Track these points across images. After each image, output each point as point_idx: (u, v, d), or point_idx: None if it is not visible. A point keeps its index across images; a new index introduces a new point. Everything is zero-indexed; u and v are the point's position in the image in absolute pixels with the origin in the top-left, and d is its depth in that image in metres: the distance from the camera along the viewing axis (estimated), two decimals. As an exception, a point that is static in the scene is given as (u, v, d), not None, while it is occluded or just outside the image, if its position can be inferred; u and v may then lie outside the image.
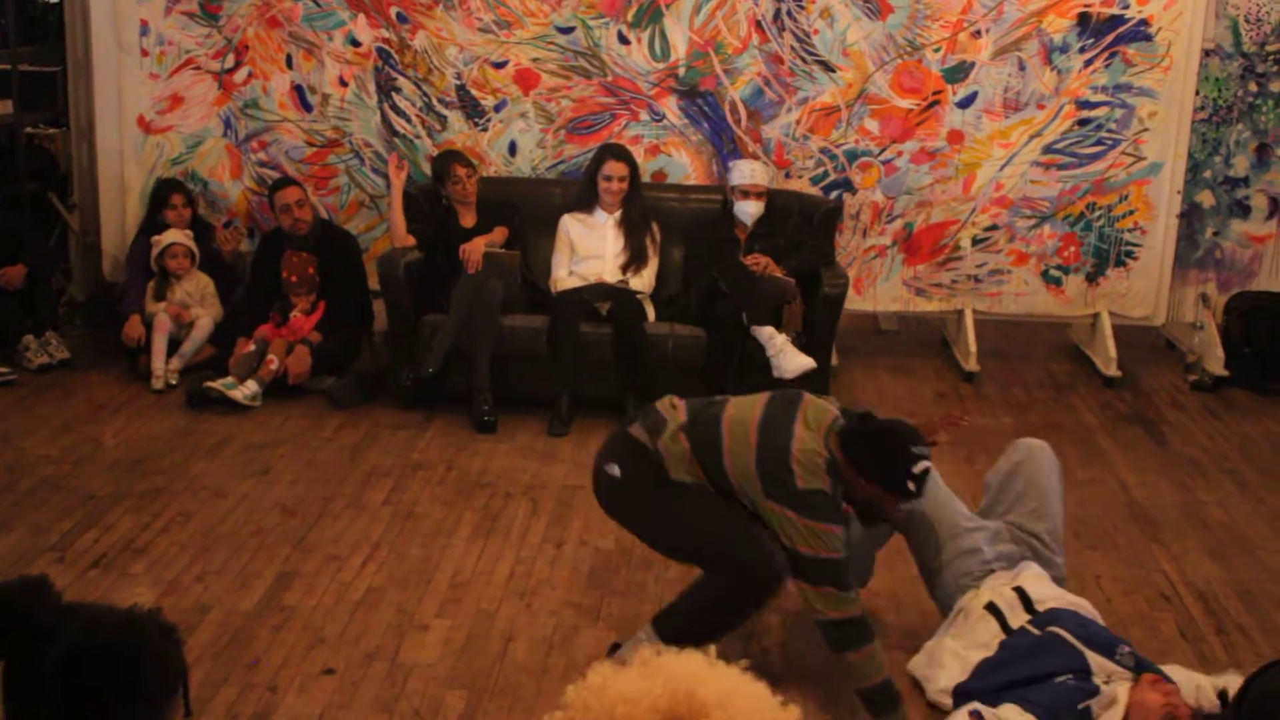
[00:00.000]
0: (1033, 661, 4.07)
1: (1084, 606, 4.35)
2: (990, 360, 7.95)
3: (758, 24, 7.59)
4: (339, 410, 6.91)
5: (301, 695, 4.27)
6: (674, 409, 4.34)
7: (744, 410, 4.22)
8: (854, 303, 7.72)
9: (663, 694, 1.66)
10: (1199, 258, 8.14)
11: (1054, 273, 7.91)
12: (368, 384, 7.15)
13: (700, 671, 1.71)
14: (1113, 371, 7.71)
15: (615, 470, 4.33)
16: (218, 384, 6.85)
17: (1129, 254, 7.86)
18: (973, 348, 7.74)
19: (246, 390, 6.86)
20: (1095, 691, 3.93)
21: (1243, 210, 8.08)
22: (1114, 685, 3.96)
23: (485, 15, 7.63)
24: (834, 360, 7.36)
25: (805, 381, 6.62)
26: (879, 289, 7.94)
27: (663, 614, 4.37)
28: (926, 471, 4.10)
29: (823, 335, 6.89)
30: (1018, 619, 4.25)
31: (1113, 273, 7.89)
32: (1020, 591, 4.33)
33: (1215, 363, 7.74)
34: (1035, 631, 4.18)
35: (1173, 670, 4.12)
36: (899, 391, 7.54)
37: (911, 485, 4.09)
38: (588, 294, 6.95)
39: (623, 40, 7.64)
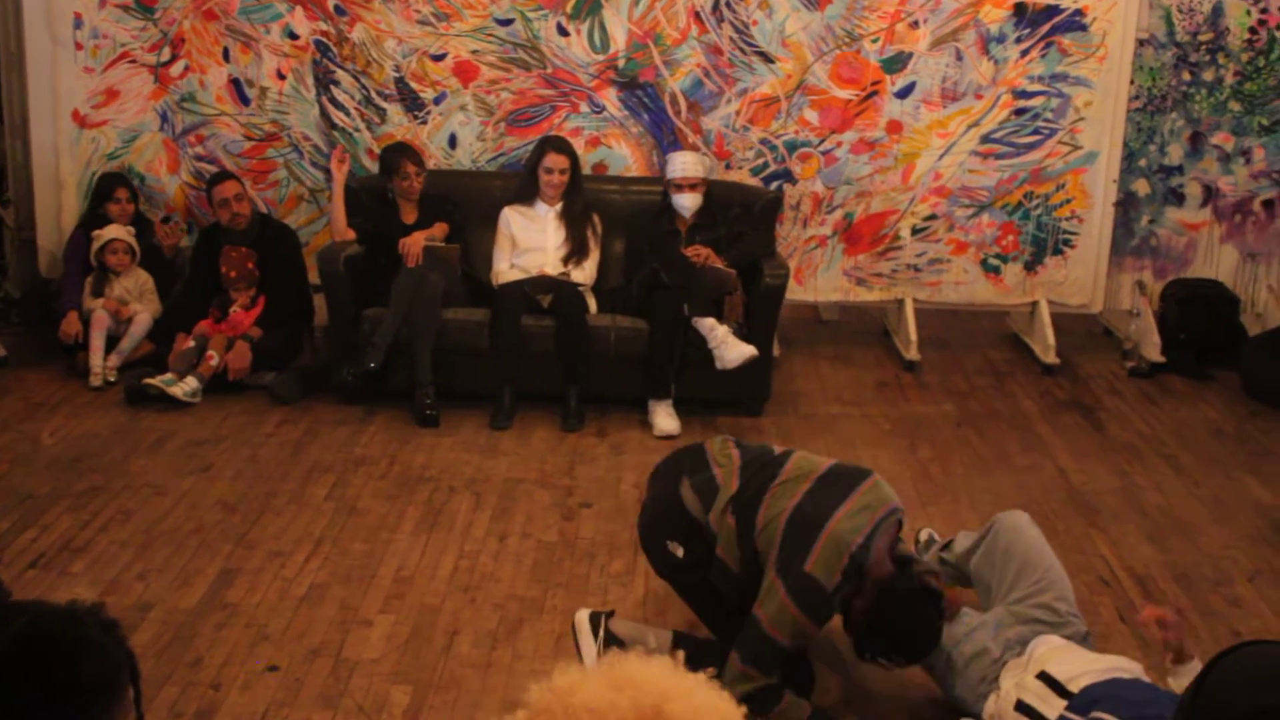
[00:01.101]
0: None
1: (1120, 668, 3.86)
2: (930, 349, 8.00)
3: (697, 15, 7.60)
4: (280, 406, 6.87)
5: (245, 692, 4.25)
6: (728, 466, 4.18)
7: (800, 470, 4.07)
8: (795, 293, 7.76)
9: (630, 708, 1.65)
10: (1135, 246, 8.22)
11: (993, 261, 7.97)
12: (309, 379, 7.12)
13: (667, 685, 1.70)
14: (1051, 359, 7.78)
15: (679, 552, 4.23)
16: (157, 380, 6.80)
17: (1066, 242, 7.93)
18: (913, 337, 7.79)
19: (186, 386, 6.81)
20: None
21: (1177, 198, 8.17)
22: None
23: (424, 7, 7.60)
24: (776, 351, 7.39)
25: (747, 370, 6.66)
26: (820, 279, 7.97)
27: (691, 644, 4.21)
28: (883, 666, 4.02)
29: (764, 326, 6.92)
30: (1053, 709, 3.74)
31: (1050, 261, 7.96)
32: (1045, 677, 3.86)
33: (1152, 349, 7.82)
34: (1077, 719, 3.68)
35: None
36: (840, 381, 7.58)
37: (866, 656, 3.98)
38: (529, 287, 6.94)
39: (562, 32, 7.64)
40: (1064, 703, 3.73)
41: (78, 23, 7.68)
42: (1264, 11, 7.91)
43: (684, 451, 4.43)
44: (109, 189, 7.51)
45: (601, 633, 4.49)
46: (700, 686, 1.71)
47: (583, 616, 4.54)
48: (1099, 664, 3.87)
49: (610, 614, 4.54)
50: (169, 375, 6.85)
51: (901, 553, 4.06)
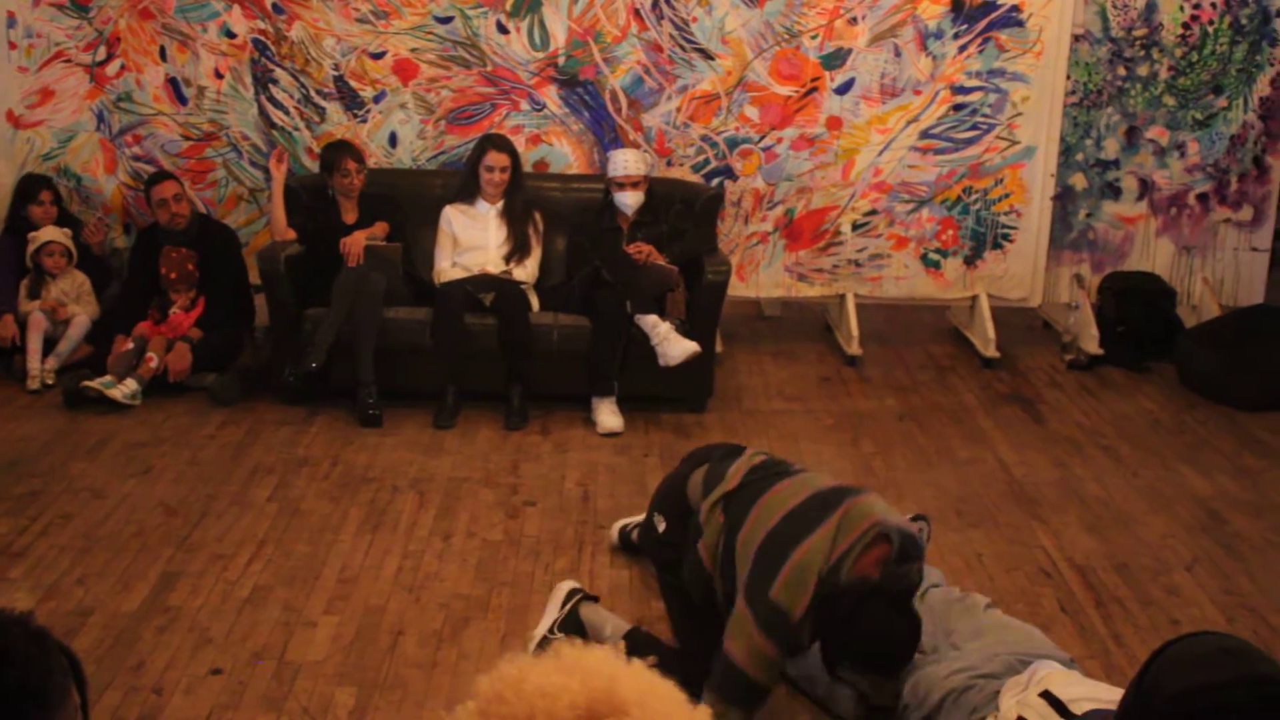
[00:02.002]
0: None
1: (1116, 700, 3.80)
2: (872, 344, 8.05)
3: (636, 12, 7.60)
4: (221, 407, 6.83)
5: (188, 697, 4.22)
6: (742, 466, 4.07)
7: (786, 495, 3.87)
8: (737, 289, 7.79)
9: (581, 690, 1.67)
10: (1073, 239, 8.30)
11: (933, 256, 8.02)
12: (250, 380, 7.07)
13: (616, 669, 1.72)
14: (991, 352, 7.84)
15: (660, 526, 4.25)
16: (96, 383, 6.74)
17: (1005, 237, 8.00)
18: (855, 332, 7.83)
19: (125, 389, 6.75)
20: None
21: (1114, 192, 8.25)
22: None
23: (362, 6, 7.57)
24: (718, 347, 7.41)
25: (690, 366, 6.67)
26: (761, 275, 8.00)
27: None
28: (850, 678, 3.83)
29: (706, 322, 6.93)
30: None
31: (990, 255, 8.03)
32: (1048, 696, 3.68)
33: (1090, 342, 7.90)
34: None
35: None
36: (783, 376, 7.61)
37: (830, 670, 3.75)
38: (471, 285, 6.93)
39: (501, 30, 7.62)
40: None
41: (11, 21, 7.60)
42: (1196, 7, 8.00)
43: (727, 444, 4.40)
44: (32, 190, 7.42)
45: (567, 609, 4.55)
46: (645, 670, 1.73)
47: (565, 586, 4.67)
48: (1105, 693, 3.65)
49: (592, 598, 4.61)
50: (108, 377, 6.79)
51: (891, 570, 3.73)
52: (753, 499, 3.92)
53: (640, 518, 4.93)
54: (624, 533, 5.27)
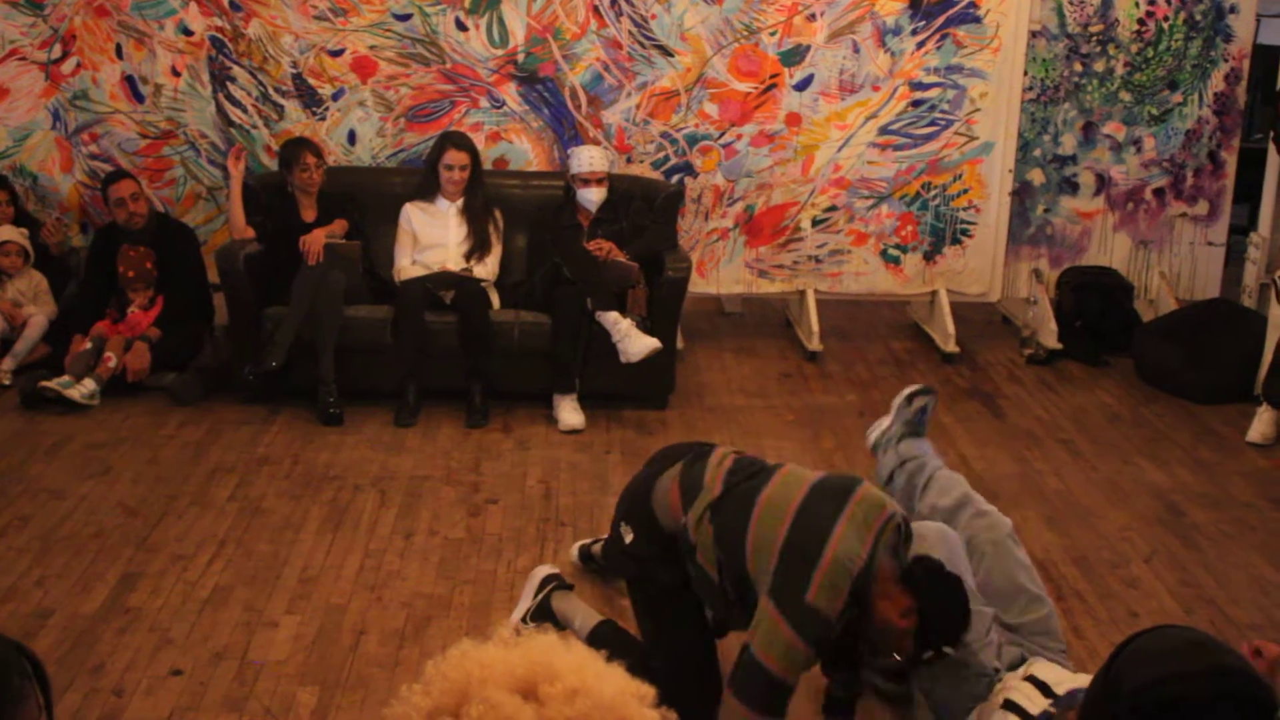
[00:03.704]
0: None
1: None
2: (833, 339, 8.08)
3: (595, 9, 7.60)
4: (180, 407, 6.80)
5: (149, 698, 4.20)
6: (719, 469, 3.91)
7: (786, 490, 3.75)
8: (697, 285, 7.80)
9: (520, 662, 1.72)
10: (1031, 234, 8.35)
11: (892, 252, 8.05)
12: (209, 379, 7.04)
13: (554, 645, 1.77)
14: (951, 348, 7.88)
15: (628, 537, 4.04)
16: (54, 383, 6.69)
17: (964, 232, 8.04)
18: (815, 327, 7.85)
19: (84, 389, 6.71)
20: None
21: (1071, 187, 8.31)
22: None
23: (320, 3, 7.54)
24: (679, 343, 7.42)
25: (651, 363, 6.68)
26: (722, 271, 8.02)
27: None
28: (947, 656, 3.69)
29: (667, 319, 6.94)
30: (1037, 706, 3.71)
31: (949, 251, 8.06)
32: (1033, 679, 3.82)
33: (1049, 336, 7.95)
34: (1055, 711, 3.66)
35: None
36: (744, 372, 7.63)
37: (932, 654, 3.66)
38: (431, 283, 6.92)
39: (460, 27, 7.61)
40: (1048, 701, 3.67)
41: (-35, 20, 7.55)
42: (1151, 3, 8.06)
43: (689, 444, 4.19)
44: None
45: (539, 598, 4.56)
46: (583, 648, 1.78)
47: (542, 571, 4.67)
48: (1082, 679, 3.72)
49: (567, 586, 4.60)
50: (66, 378, 6.74)
51: (904, 555, 3.75)
52: (747, 501, 3.77)
53: (597, 537, 4.90)
54: (584, 551, 5.09)
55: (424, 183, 7.19)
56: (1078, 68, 8.14)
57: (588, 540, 5.13)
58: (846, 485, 3.72)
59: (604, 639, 4.17)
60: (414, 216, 7.14)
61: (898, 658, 3.68)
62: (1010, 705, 3.73)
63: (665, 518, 3.95)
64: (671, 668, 3.92)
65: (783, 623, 3.54)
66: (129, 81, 7.63)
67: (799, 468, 3.92)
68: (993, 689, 3.87)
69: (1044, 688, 3.73)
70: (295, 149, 7.07)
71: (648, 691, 1.77)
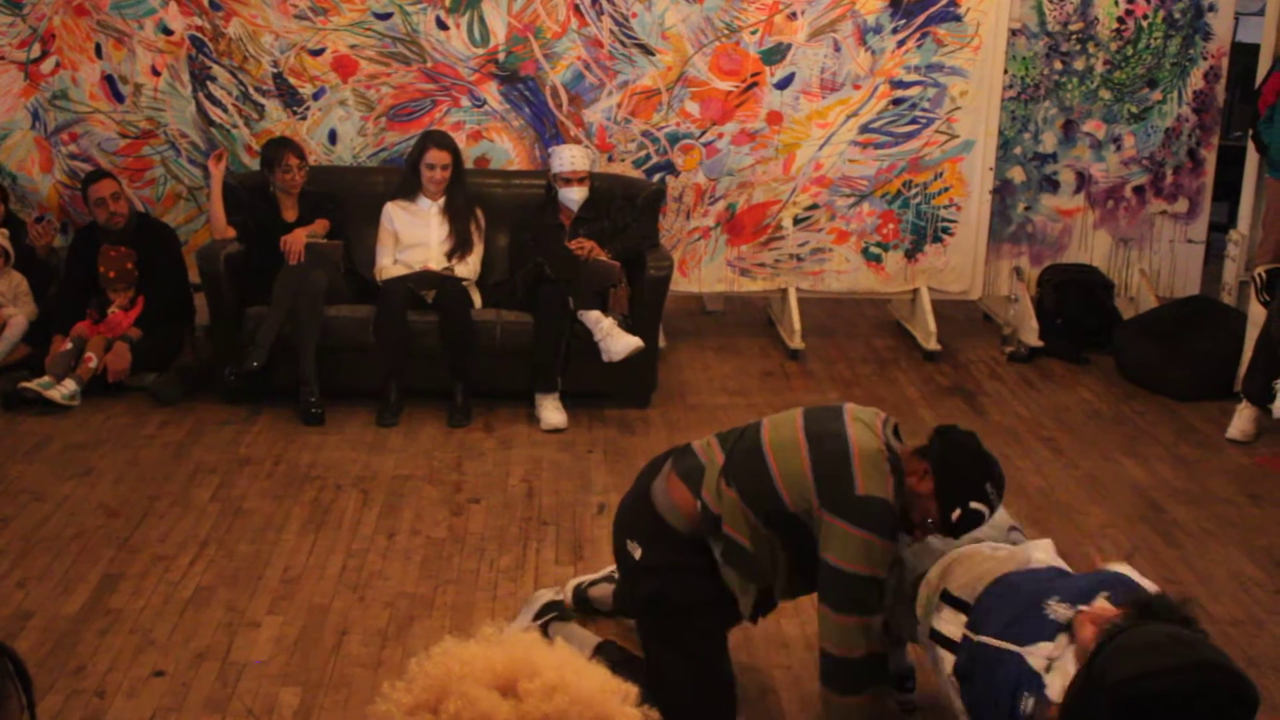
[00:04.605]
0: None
1: (1020, 561, 3.81)
2: (814, 337, 8.08)
3: (576, 8, 7.60)
4: (161, 407, 6.78)
5: (131, 699, 4.19)
6: (710, 448, 3.94)
7: (783, 429, 3.84)
8: (679, 284, 7.80)
9: (500, 658, 1.73)
10: (1012, 232, 8.36)
11: (874, 250, 8.06)
12: (190, 379, 7.02)
13: (535, 643, 1.78)
14: (933, 345, 7.89)
15: (637, 554, 3.96)
16: (34, 384, 6.67)
17: (945, 230, 8.05)
18: (797, 326, 7.86)
19: (64, 389, 6.69)
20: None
21: (1052, 185, 8.33)
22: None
23: (301, 2, 7.52)
24: (661, 342, 7.43)
25: (633, 361, 6.68)
26: (703, 270, 8.02)
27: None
28: (979, 515, 3.72)
29: (649, 317, 6.94)
30: (957, 629, 3.71)
31: (930, 249, 8.08)
32: (947, 596, 3.80)
33: (1030, 334, 7.97)
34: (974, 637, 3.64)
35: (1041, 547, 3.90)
36: (726, 371, 7.63)
37: (958, 512, 3.69)
38: (413, 282, 6.91)
39: (441, 26, 7.60)
40: (964, 619, 3.68)
41: (-57, 19, 7.51)
42: (1131, 1, 8.08)
43: (669, 451, 4.16)
44: None
45: (538, 623, 4.48)
46: (565, 646, 1.79)
47: (543, 597, 4.61)
48: (995, 565, 3.76)
49: (566, 617, 4.52)
50: (46, 378, 6.72)
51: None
52: (755, 453, 3.82)
53: (593, 575, 4.78)
54: (580, 593, 4.77)
55: (405, 182, 7.18)
56: (1058, 66, 8.16)
57: (585, 579, 4.81)
58: (834, 407, 3.89)
59: (607, 656, 4.10)
60: (395, 216, 7.13)
61: (930, 522, 3.75)
62: (935, 636, 3.76)
63: (675, 517, 3.91)
64: (696, 694, 3.88)
65: (849, 526, 3.63)
66: (109, 81, 7.61)
67: (777, 417, 3.97)
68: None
69: (958, 602, 3.74)
70: (278, 149, 7.06)
71: (629, 690, 1.77)
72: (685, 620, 3.93)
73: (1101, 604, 3.18)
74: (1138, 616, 2.89)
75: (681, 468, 3.94)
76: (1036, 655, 3.30)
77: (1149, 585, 3.47)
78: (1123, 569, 3.62)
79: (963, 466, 3.72)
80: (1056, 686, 3.13)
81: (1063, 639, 3.28)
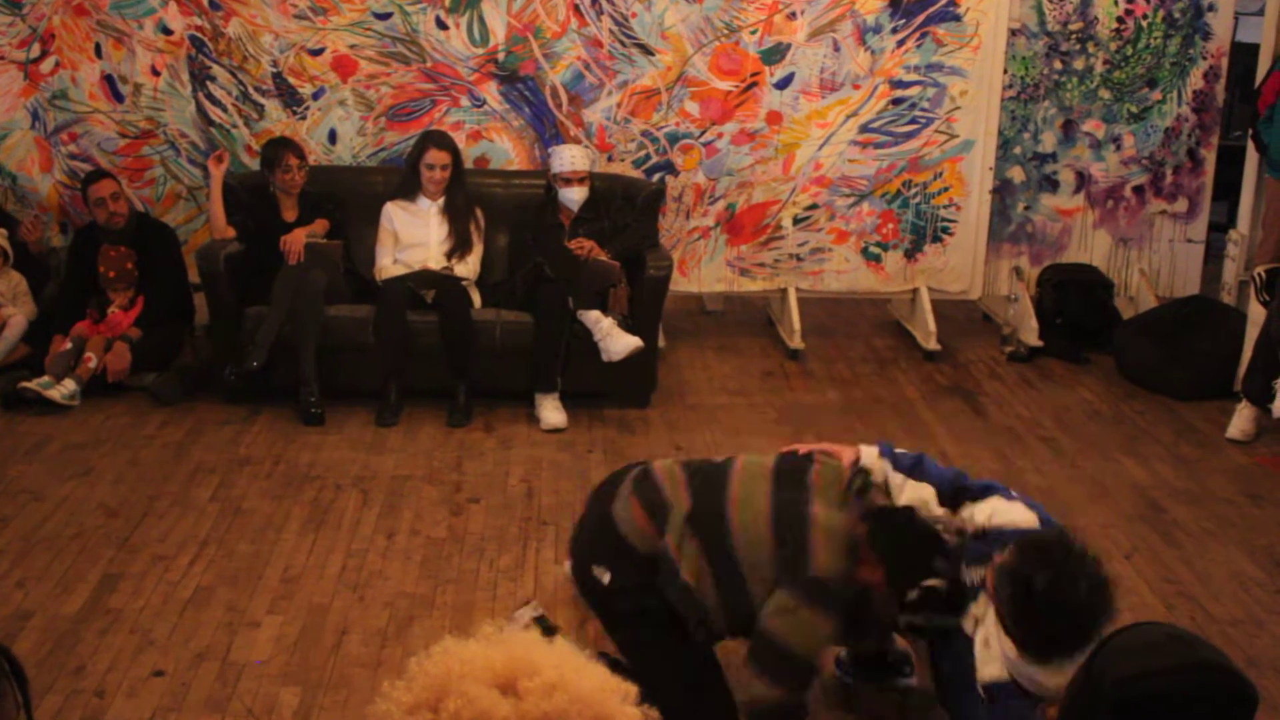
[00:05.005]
0: None
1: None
2: (814, 337, 8.08)
3: (576, 8, 7.60)
4: (161, 407, 6.78)
5: (130, 699, 4.19)
6: (674, 481, 3.94)
7: (751, 488, 3.84)
8: (679, 284, 7.80)
9: (500, 657, 1.73)
10: (1012, 232, 8.36)
11: (873, 250, 8.06)
12: (190, 379, 7.02)
13: (534, 641, 1.78)
14: (932, 345, 7.89)
15: (605, 578, 3.93)
16: (34, 384, 6.67)
17: (945, 230, 8.05)
18: (797, 325, 7.86)
19: (64, 389, 6.69)
20: None
21: (1051, 185, 8.32)
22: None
23: (300, 2, 7.52)
24: (661, 342, 7.42)
25: (633, 361, 6.68)
26: (703, 270, 8.02)
27: None
28: (935, 590, 3.67)
29: (649, 317, 6.94)
30: None
31: (930, 249, 8.08)
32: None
33: (1029, 334, 7.97)
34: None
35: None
36: (726, 370, 7.63)
37: (915, 592, 3.67)
38: (413, 282, 6.91)
39: (441, 25, 7.60)
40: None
41: (-57, 19, 7.51)
42: (1131, 1, 8.08)
43: (626, 469, 4.16)
44: None
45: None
46: (565, 644, 1.79)
47: (526, 614, 4.57)
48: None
49: (551, 630, 4.48)
50: (46, 378, 6.72)
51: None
52: (719, 506, 3.82)
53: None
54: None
55: (405, 182, 7.18)
56: (1057, 65, 8.16)
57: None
58: (801, 467, 3.85)
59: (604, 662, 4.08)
60: (395, 215, 7.13)
61: (890, 610, 3.76)
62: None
63: (640, 540, 3.90)
64: (695, 704, 3.88)
65: (799, 601, 3.63)
66: (108, 81, 7.61)
67: (751, 457, 3.98)
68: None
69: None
70: (278, 150, 7.06)
71: (630, 689, 1.77)
72: (669, 631, 3.92)
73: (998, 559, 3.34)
74: (1021, 557, 3.22)
75: (645, 496, 3.94)
76: (968, 619, 3.58)
77: (1027, 516, 3.71)
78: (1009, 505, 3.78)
79: (907, 550, 3.67)
80: (979, 646, 3.48)
81: (983, 598, 3.49)
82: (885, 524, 3.72)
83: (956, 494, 3.81)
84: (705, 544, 3.79)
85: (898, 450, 3.96)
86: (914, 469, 3.88)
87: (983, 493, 3.85)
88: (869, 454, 3.88)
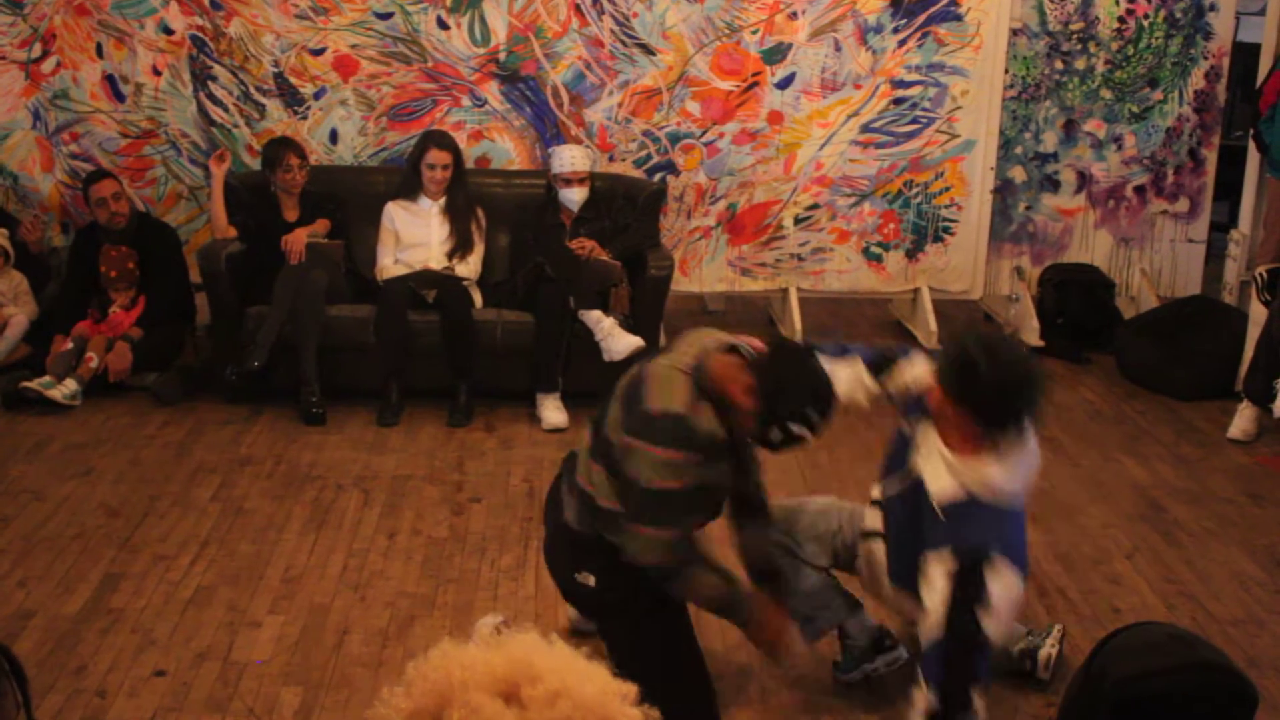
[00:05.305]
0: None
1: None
2: (815, 337, 8.07)
3: (577, 7, 7.60)
4: (162, 407, 6.78)
5: (132, 699, 4.19)
6: (583, 437, 3.97)
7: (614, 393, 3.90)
8: (680, 284, 7.80)
9: (501, 663, 1.72)
10: (1013, 232, 8.36)
11: (875, 249, 8.06)
12: (191, 379, 7.02)
13: (535, 645, 1.77)
14: (934, 345, 7.88)
15: (590, 581, 3.91)
16: (35, 384, 6.67)
17: (946, 230, 8.05)
18: (798, 325, 7.86)
19: (65, 389, 6.69)
20: None
21: (1053, 185, 8.32)
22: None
23: (302, 2, 7.52)
24: (662, 341, 7.41)
25: (634, 361, 6.66)
26: (704, 270, 8.02)
27: None
28: (799, 439, 3.67)
29: (650, 317, 6.94)
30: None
31: (931, 248, 8.08)
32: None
33: (1031, 334, 7.97)
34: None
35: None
36: (727, 370, 7.62)
37: (777, 433, 3.65)
38: (414, 282, 6.91)
39: (442, 25, 7.60)
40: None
41: (-56, 19, 7.51)
42: (1132, 1, 8.08)
43: (559, 474, 4.16)
44: None
45: None
46: (565, 647, 1.78)
47: (488, 623, 4.53)
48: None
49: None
50: (47, 378, 6.72)
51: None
52: (601, 418, 3.86)
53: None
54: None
55: (406, 182, 7.18)
56: (1059, 65, 8.16)
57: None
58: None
59: None
60: (396, 215, 7.13)
61: (752, 440, 3.80)
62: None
63: (591, 527, 3.89)
64: (676, 682, 3.87)
65: (642, 443, 3.64)
66: (109, 81, 7.61)
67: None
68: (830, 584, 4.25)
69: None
70: (278, 149, 7.06)
71: (629, 690, 1.77)
72: (648, 618, 3.91)
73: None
74: (956, 345, 3.67)
75: (568, 477, 3.97)
76: (915, 457, 3.85)
77: (922, 368, 3.95)
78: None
79: (787, 384, 3.66)
80: (929, 475, 3.74)
81: (923, 428, 3.81)
82: (783, 352, 3.77)
83: (882, 361, 4.02)
84: (607, 462, 3.77)
85: (818, 343, 4.12)
86: (840, 354, 4.03)
87: (905, 353, 4.07)
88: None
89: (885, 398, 4.02)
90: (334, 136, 7.70)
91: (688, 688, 3.91)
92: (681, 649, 3.97)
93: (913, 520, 3.82)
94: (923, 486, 3.76)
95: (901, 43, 7.77)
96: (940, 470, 3.73)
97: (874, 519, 4.11)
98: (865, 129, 7.88)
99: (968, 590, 3.51)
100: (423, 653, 1.78)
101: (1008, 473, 3.66)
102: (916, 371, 3.96)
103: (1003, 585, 3.51)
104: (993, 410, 3.61)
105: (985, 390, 3.59)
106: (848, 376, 3.99)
